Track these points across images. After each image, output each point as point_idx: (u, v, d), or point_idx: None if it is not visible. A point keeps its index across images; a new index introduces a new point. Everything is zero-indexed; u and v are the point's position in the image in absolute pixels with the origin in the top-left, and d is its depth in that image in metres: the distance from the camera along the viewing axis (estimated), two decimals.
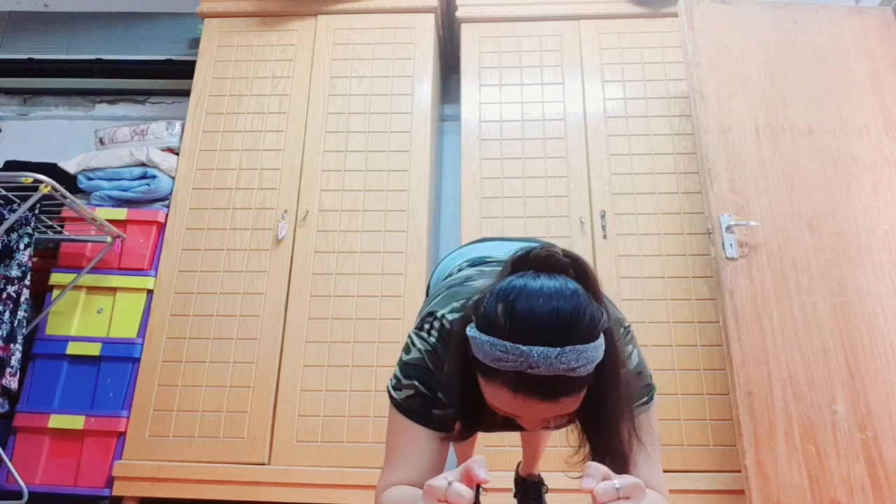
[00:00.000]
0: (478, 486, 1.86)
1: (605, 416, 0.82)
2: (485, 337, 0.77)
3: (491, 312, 0.78)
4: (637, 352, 0.97)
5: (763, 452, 1.83)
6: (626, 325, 0.99)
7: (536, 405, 0.76)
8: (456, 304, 0.98)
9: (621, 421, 0.83)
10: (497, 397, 0.79)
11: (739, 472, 1.89)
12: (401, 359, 0.99)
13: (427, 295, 1.51)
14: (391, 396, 0.97)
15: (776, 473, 1.81)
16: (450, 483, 0.66)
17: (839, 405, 1.88)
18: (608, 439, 0.83)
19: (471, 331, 0.80)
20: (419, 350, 0.96)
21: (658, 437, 0.96)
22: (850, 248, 2.07)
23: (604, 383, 0.79)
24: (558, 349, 0.73)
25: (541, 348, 0.73)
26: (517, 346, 0.74)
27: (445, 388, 0.92)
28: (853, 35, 2.40)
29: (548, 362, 0.73)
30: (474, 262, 1.26)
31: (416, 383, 0.94)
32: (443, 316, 0.97)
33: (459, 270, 1.25)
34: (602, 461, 0.82)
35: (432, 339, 0.96)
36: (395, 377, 0.97)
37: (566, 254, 0.81)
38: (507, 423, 1.03)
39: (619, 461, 0.84)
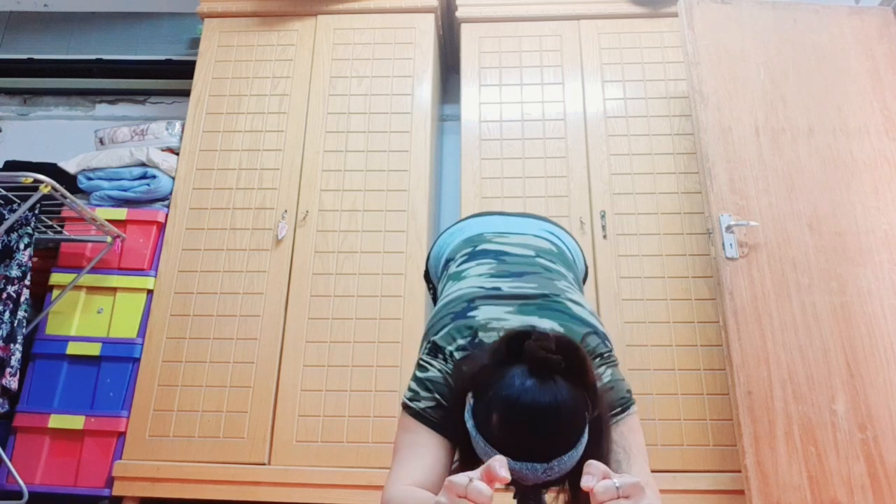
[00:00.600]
0: None
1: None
2: (481, 441, 0.85)
3: (487, 417, 0.84)
4: (612, 372, 1.03)
5: (763, 452, 1.83)
6: (605, 353, 1.05)
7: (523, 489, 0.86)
8: (462, 342, 1.03)
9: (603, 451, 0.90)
10: None
11: (739, 472, 1.89)
12: (416, 376, 1.04)
13: (426, 272, 1.50)
14: (408, 407, 1.01)
15: (776, 473, 1.81)
16: (470, 480, 0.68)
17: (839, 405, 1.88)
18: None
19: (469, 421, 0.88)
20: (438, 371, 1.02)
21: (641, 443, 0.99)
22: (850, 248, 2.07)
23: (589, 446, 0.86)
24: (545, 465, 0.80)
25: (528, 466, 0.80)
26: (508, 461, 0.79)
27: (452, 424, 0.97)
28: (853, 35, 2.40)
29: (535, 476, 0.81)
30: (474, 249, 1.27)
31: (437, 396, 0.99)
32: (451, 353, 1.03)
33: (459, 266, 1.26)
34: None
35: (449, 366, 1.02)
36: (413, 391, 1.02)
37: (559, 345, 0.84)
38: None
39: None
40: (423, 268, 1.60)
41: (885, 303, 2.01)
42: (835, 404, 1.88)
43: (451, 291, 1.18)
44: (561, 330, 1.03)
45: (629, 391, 1.03)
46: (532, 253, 1.26)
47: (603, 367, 1.02)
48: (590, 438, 0.85)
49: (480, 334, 1.03)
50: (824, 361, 1.93)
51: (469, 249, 1.29)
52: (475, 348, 1.01)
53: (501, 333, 0.96)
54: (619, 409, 0.99)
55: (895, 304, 2.01)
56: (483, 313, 1.07)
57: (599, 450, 0.87)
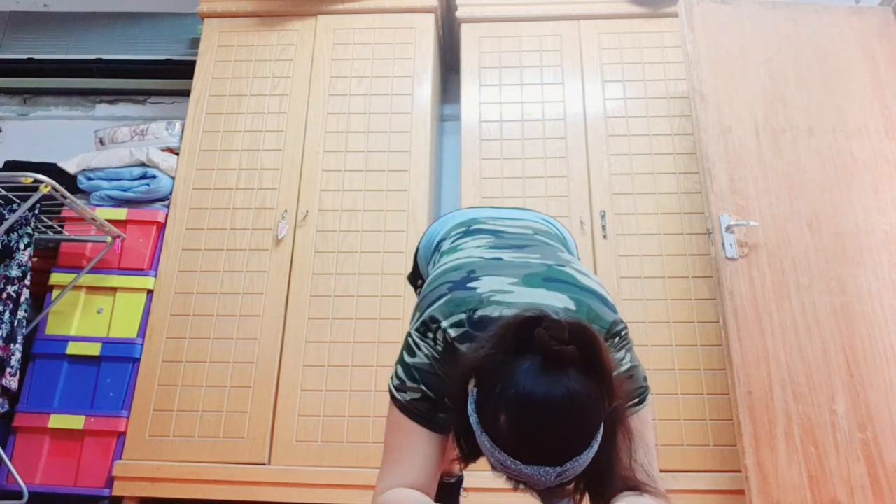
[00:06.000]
0: (460, 486, 1.84)
1: (605, 465, 0.84)
2: (486, 440, 0.78)
3: (494, 416, 0.77)
4: (630, 356, 0.96)
5: (763, 452, 1.83)
6: (623, 332, 0.97)
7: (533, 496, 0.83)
8: (460, 317, 0.93)
9: (618, 455, 0.84)
10: (497, 473, 0.83)
11: (739, 472, 1.89)
12: (403, 359, 0.96)
13: (415, 262, 1.43)
14: (394, 397, 0.94)
15: (776, 473, 1.81)
16: None
17: (839, 405, 1.88)
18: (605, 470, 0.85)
19: (472, 416, 0.81)
20: (426, 355, 0.94)
21: (653, 437, 0.95)
22: (850, 248, 2.07)
23: (604, 442, 0.81)
24: (558, 469, 0.75)
25: (541, 470, 0.75)
26: (518, 464, 0.76)
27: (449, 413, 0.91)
28: (853, 35, 2.40)
29: (547, 480, 0.75)
30: (468, 228, 1.23)
31: (423, 387, 0.92)
32: (446, 329, 0.93)
33: (454, 242, 1.20)
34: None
35: (439, 348, 0.93)
36: (399, 378, 0.95)
37: (573, 333, 0.77)
38: None
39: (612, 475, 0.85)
40: (410, 268, 1.48)
41: (885, 303, 2.01)
42: (835, 404, 1.88)
43: (448, 261, 1.10)
44: (572, 305, 0.94)
45: (646, 378, 0.96)
46: (530, 231, 1.21)
47: (622, 352, 0.95)
48: (605, 433, 0.79)
49: (480, 311, 0.92)
50: (824, 361, 1.93)
51: (463, 229, 1.23)
52: (474, 327, 0.91)
53: (505, 311, 0.89)
54: (636, 399, 0.93)
55: (895, 304, 2.01)
56: (485, 285, 0.96)
57: (615, 444, 0.82)
